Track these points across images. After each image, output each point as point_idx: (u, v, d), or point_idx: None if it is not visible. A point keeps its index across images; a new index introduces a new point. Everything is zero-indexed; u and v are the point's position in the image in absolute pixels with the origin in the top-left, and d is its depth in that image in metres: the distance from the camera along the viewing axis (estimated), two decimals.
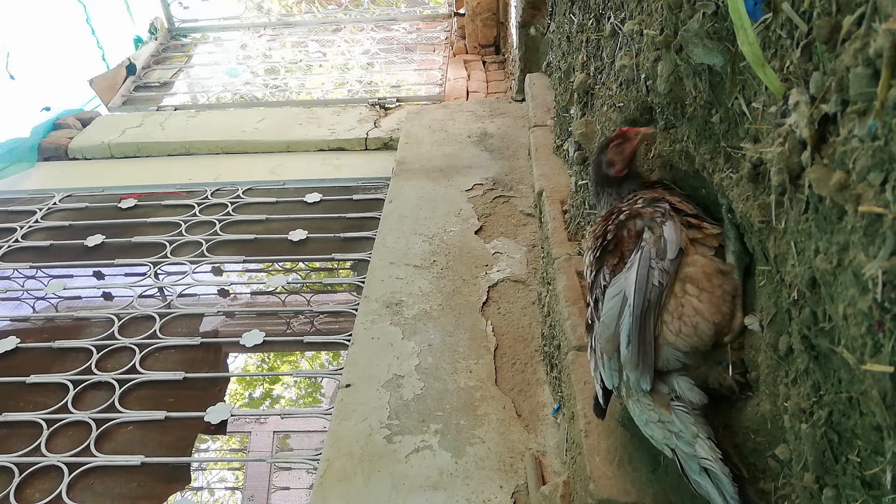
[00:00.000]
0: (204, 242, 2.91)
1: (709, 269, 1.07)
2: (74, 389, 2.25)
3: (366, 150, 3.59)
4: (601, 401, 1.19)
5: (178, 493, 2.03)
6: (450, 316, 2.23)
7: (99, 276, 2.91)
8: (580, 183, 1.98)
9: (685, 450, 0.97)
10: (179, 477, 2.07)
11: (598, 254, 1.24)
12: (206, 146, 3.69)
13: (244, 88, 4.60)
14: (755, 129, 0.85)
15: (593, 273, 1.26)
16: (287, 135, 3.68)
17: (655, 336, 1.05)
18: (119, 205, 3.29)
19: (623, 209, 1.25)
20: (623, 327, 1.08)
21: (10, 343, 2.47)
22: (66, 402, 2.20)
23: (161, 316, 2.54)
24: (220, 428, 2.14)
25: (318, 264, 2.94)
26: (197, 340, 2.42)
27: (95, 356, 2.37)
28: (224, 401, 2.26)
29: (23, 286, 2.85)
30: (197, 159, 3.65)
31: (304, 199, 3.19)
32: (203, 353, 2.43)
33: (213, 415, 2.12)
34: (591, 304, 1.25)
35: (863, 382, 0.64)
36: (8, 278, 2.89)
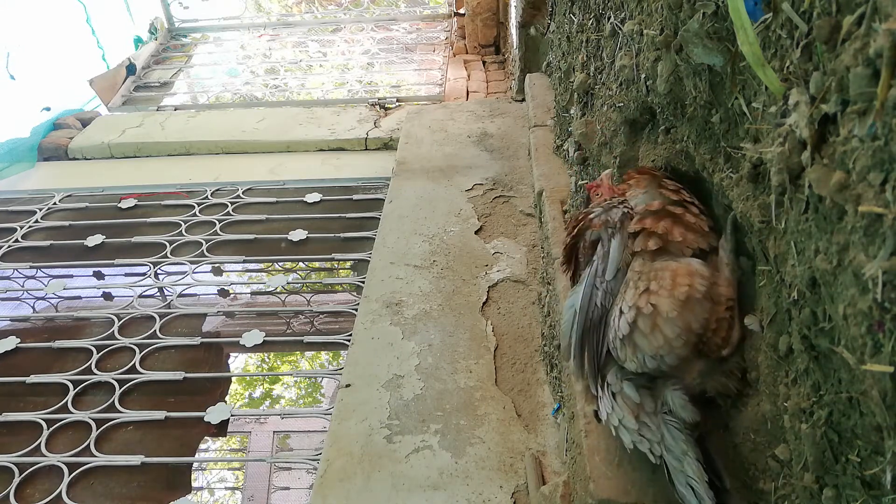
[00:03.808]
0: (204, 242, 2.91)
1: (682, 270, 1.00)
2: (74, 389, 2.25)
3: (366, 150, 3.59)
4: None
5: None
6: (450, 316, 2.23)
7: (99, 276, 2.91)
8: (580, 183, 1.98)
9: (674, 464, 0.99)
10: (180, 484, 2.07)
11: (562, 262, 1.31)
12: (206, 146, 3.69)
13: (244, 88, 4.60)
14: (755, 129, 0.85)
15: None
16: (287, 135, 3.68)
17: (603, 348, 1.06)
18: (119, 205, 3.29)
19: (580, 218, 1.24)
20: (573, 339, 1.11)
21: (10, 343, 2.47)
22: (66, 402, 2.20)
23: (161, 316, 2.54)
24: (221, 428, 2.14)
25: (318, 264, 2.94)
26: (197, 340, 2.42)
27: (95, 356, 2.37)
28: (224, 401, 2.26)
29: (23, 286, 2.85)
30: (197, 159, 3.65)
31: (304, 199, 3.19)
32: (203, 353, 2.43)
33: (213, 415, 2.12)
34: None
35: (863, 382, 0.64)
36: (8, 278, 2.89)
